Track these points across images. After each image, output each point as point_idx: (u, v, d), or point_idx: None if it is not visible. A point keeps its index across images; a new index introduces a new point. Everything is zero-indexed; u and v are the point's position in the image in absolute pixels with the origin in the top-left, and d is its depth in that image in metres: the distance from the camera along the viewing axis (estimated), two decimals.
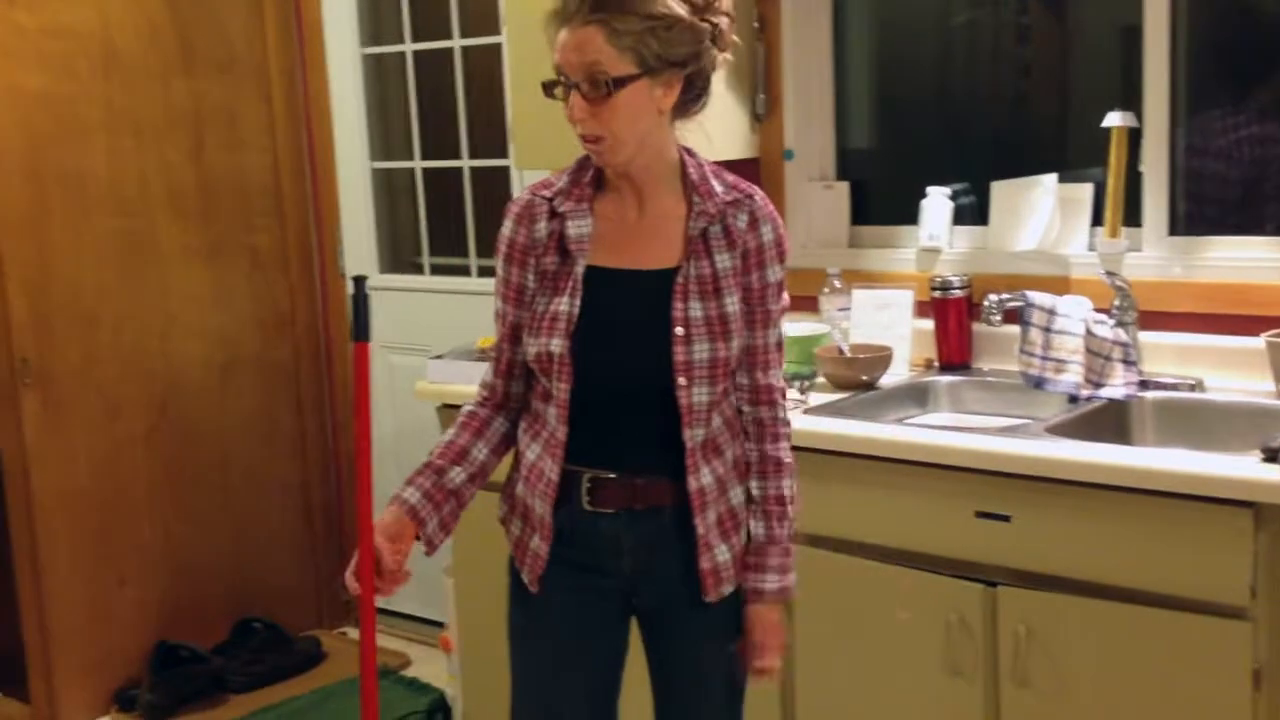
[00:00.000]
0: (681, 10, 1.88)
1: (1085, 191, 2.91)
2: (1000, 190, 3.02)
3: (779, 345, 2.07)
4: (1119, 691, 2.28)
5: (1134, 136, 2.83)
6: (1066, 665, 2.33)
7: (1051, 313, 2.72)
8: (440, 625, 3.83)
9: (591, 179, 2.00)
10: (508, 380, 2.07)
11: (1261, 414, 2.53)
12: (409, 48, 4.14)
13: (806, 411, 2.70)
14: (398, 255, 4.37)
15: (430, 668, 3.96)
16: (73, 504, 3.80)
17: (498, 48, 3.77)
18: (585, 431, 1.98)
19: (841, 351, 2.95)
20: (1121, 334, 2.71)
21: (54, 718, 3.79)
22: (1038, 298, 2.74)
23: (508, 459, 2.13)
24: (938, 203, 3.08)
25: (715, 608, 2.05)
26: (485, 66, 3.93)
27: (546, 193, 2.01)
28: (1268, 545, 2.13)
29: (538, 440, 2.03)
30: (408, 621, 4.33)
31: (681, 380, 1.95)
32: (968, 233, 3.11)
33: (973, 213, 3.12)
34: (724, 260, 1.98)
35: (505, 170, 3.88)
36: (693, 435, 1.97)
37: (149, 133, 3.92)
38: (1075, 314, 2.72)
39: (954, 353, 2.96)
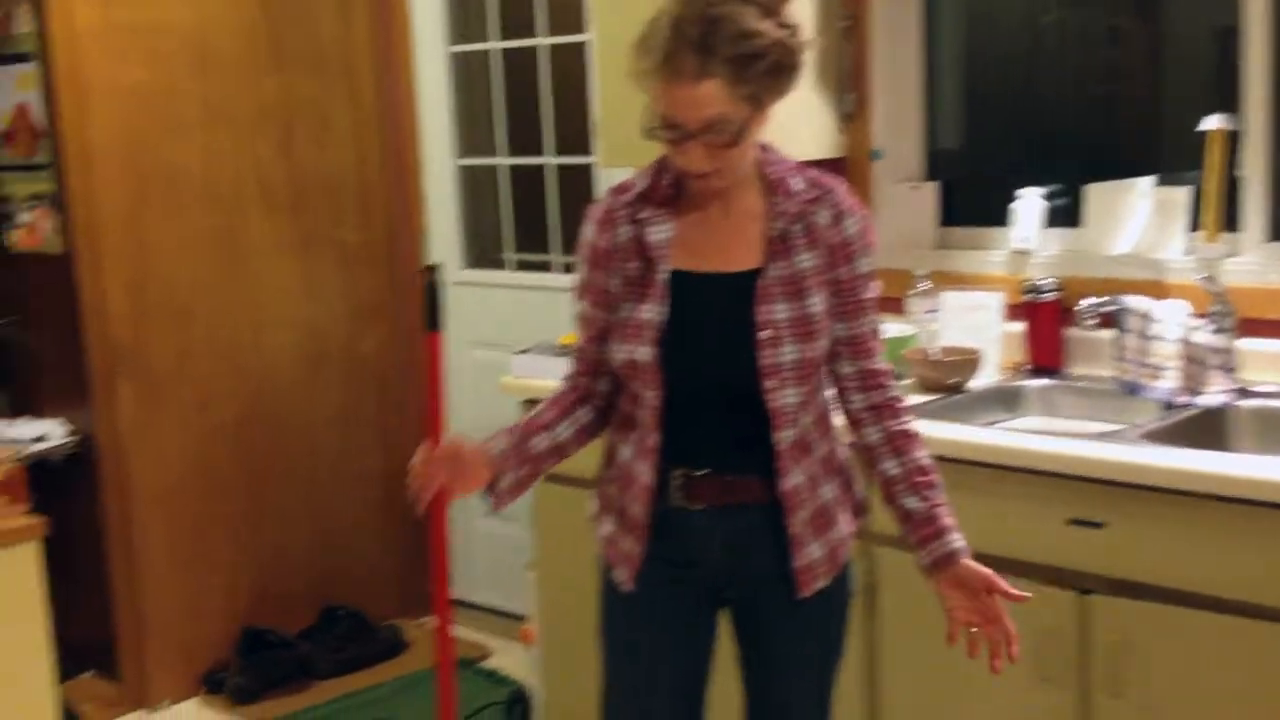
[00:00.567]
0: (776, 33, 1.86)
1: (1182, 195, 2.87)
2: (1095, 192, 2.98)
3: (876, 332, 2.06)
4: (1213, 704, 2.26)
5: (1231, 139, 2.79)
6: (1160, 676, 2.31)
7: (1147, 318, 2.69)
8: (521, 619, 3.87)
9: (671, 181, 2.00)
10: (592, 379, 2.10)
11: None
12: (496, 45, 4.18)
13: None
14: (482, 251, 4.41)
15: (510, 659, 4.00)
16: (165, 491, 3.89)
17: (584, 45, 3.79)
18: (676, 433, 2.00)
19: (929, 354, 2.93)
20: (1219, 340, 2.67)
21: (145, 699, 3.89)
22: (1134, 302, 2.71)
23: (588, 454, 2.13)
24: (1030, 204, 3.06)
25: (809, 603, 2.06)
26: (571, 64, 3.96)
27: (626, 197, 2.02)
28: None
29: (628, 443, 2.05)
30: (489, 614, 4.37)
31: (770, 384, 1.95)
32: (1060, 235, 3.08)
33: (1065, 215, 3.09)
34: (806, 260, 1.97)
35: (589, 168, 3.90)
36: (783, 437, 1.98)
37: (242, 129, 3.99)
38: (1172, 319, 2.69)
39: (1045, 357, 2.94)
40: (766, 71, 1.85)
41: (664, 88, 1.85)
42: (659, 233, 1.98)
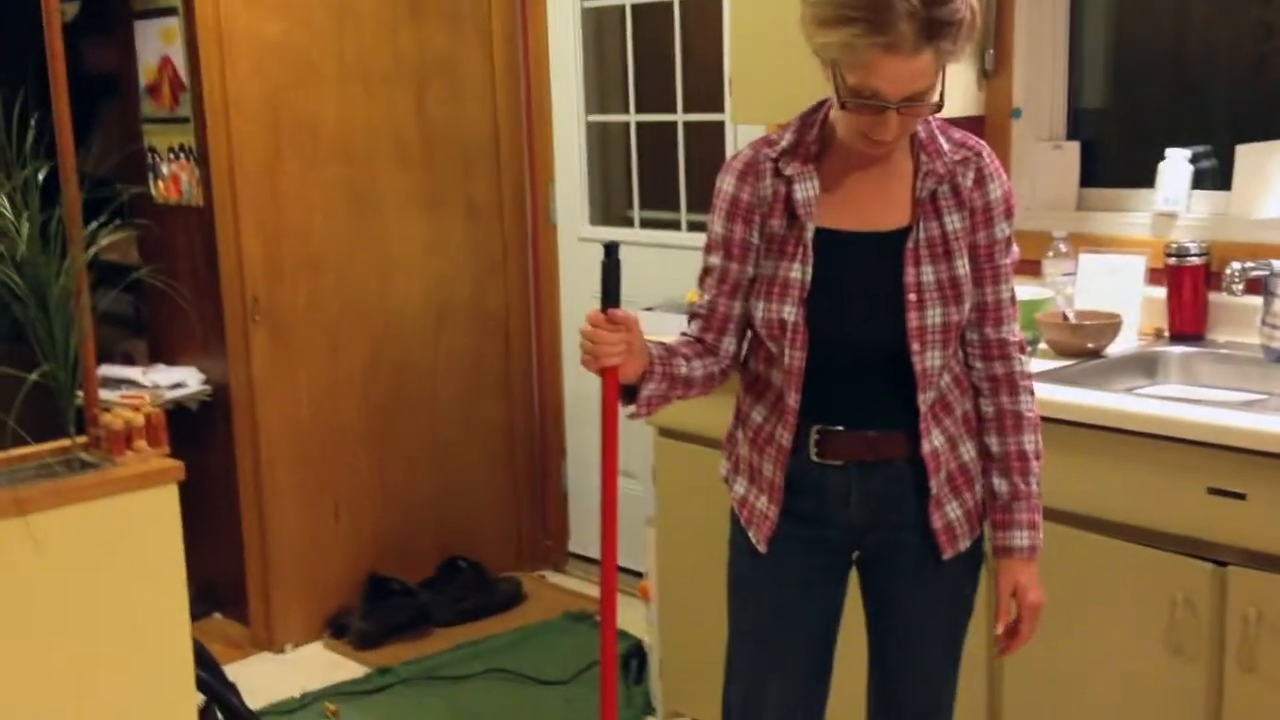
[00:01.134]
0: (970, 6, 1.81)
1: None
2: (1246, 154, 2.86)
3: (1012, 300, 2.02)
4: None
5: None
6: None
7: None
8: (639, 575, 3.88)
9: (816, 136, 1.97)
10: (719, 336, 2.05)
11: None
12: (628, 1, 4.16)
13: None
14: (609, 208, 4.41)
15: (628, 614, 3.99)
16: (294, 437, 3.98)
17: (718, 1, 3.75)
18: (814, 393, 1.97)
19: (1066, 317, 2.85)
20: None
21: (271, 640, 3.99)
22: None
23: (713, 412, 2.11)
24: (1177, 165, 2.95)
25: (944, 565, 2.04)
26: (704, 20, 3.92)
27: (771, 151, 1.98)
28: None
29: (763, 402, 2.03)
30: None
31: (915, 346, 1.92)
32: (1207, 197, 2.96)
33: (1213, 177, 2.98)
34: (954, 221, 1.94)
35: (720, 125, 3.87)
36: (925, 399, 1.96)
37: (377, 83, 4.04)
38: None
39: (1188, 323, 2.84)
40: (965, 38, 1.80)
41: (876, 60, 1.76)
42: (806, 190, 1.95)
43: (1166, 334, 2.88)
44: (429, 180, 4.20)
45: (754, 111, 3.22)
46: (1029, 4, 3.15)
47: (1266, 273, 2.62)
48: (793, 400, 1.97)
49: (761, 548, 2.06)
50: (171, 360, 4.10)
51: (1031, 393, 2.05)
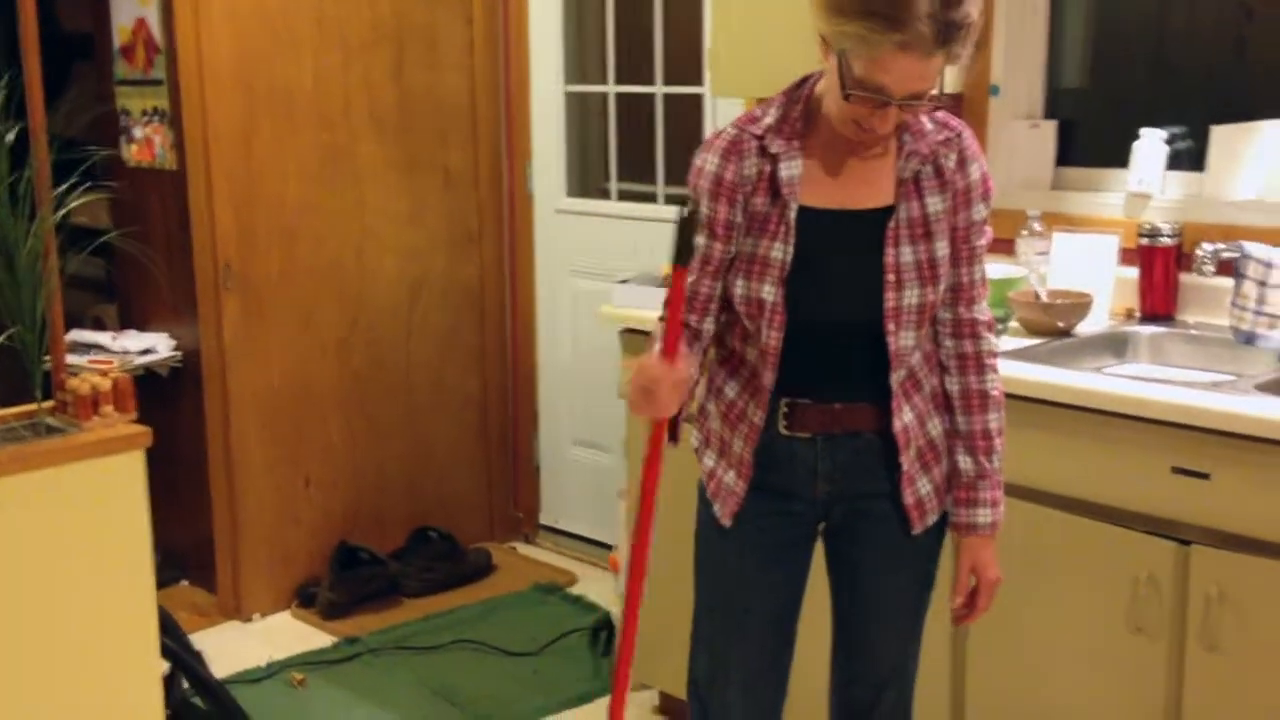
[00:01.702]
0: (979, 3, 1.81)
1: None
2: (1221, 135, 2.87)
3: (984, 280, 2.04)
4: None
5: None
6: (1258, 630, 2.24)
7: (1269, 265, 2.59)
8: (610, 547, 3.89)
9: (800, 114, 1.95)
10: (702, 318, 2.02)
11: None
12: None
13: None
14: (586, 179, 4.39)
15: (598, 586, 4.03)
16: (265, 406, 3.96)
17: None
18: (785, 369, 1.97)
19: (1038, 296, 2.86)
20: None
21: (239, 609, 3.98)
22: (1255, 249, 2.61)
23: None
24: (1151, 146, 2.95)
25: (911, 540, 2.05)
26: None
27: (755, 128, 1.96)
28: None
29: (736, 378, 2.03)
30: (577, 541, 4.40)
31: (891, 326, 1.93)
32: (1181, 178, 2.97)
33: (1188, 158, 2.98)
34: (935, 203, 1.95)
35: (699, 98, 3.85)
36: (897, 376, 1.97)
37: (354, 49, 4.01)
38: None
39: (1158, 303, 2.85)
40: (973, 42, 1.82)
41: (889, 57, 1.76)
42: (791, 168, 1.94)
43: (1137, 314, 2.89)
44: (405, 149, 4.17)
45: (733, 85, 3.20)
46: None
47: (1237, 254, 2.62)
48: (768, 380, 1.97)
49: (726, 522, 2.06)
50: (142, 326, 4.07)
51: (996, 370, 2.07)
